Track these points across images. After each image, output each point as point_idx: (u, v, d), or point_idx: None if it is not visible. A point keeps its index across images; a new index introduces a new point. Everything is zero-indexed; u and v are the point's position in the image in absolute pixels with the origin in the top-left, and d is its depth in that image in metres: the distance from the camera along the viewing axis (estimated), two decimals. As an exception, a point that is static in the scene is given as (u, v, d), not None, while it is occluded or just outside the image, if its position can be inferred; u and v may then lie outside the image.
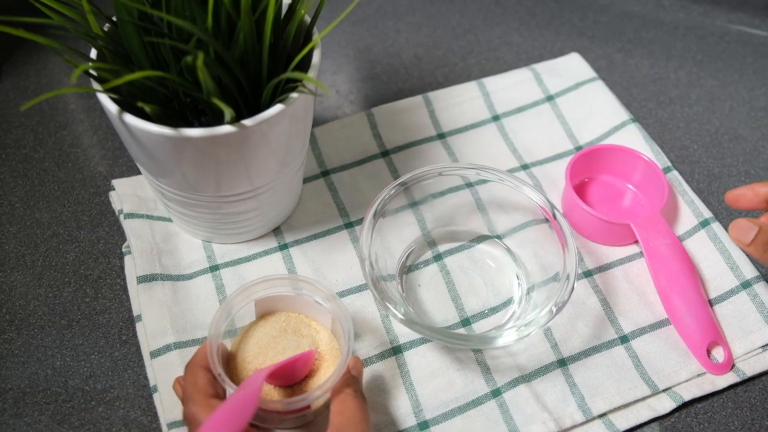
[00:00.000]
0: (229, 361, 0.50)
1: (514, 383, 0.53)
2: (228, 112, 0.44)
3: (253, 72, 0.48)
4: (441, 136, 0.67)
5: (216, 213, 0.54)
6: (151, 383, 0.53)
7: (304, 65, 0.50)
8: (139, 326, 0.55)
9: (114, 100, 0.46)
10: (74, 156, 0.67)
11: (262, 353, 0.49)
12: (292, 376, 0.48)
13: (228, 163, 0.48)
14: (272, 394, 0.48)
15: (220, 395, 0.46)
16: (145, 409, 0.52)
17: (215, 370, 0.45)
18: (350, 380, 0.47)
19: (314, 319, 0.52)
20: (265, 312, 0.52)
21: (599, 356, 0.55)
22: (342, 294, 0.57)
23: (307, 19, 0.52)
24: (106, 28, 0.49)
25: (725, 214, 0.64)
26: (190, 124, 0.52)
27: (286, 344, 0.50)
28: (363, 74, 0.75)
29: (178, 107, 0.51)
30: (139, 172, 0.63)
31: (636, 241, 0.61)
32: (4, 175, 0.65)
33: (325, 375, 0.49)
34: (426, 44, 0.78)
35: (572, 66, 0.73)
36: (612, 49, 0.77)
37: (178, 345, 0.53)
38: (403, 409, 0.52)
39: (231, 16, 0.47)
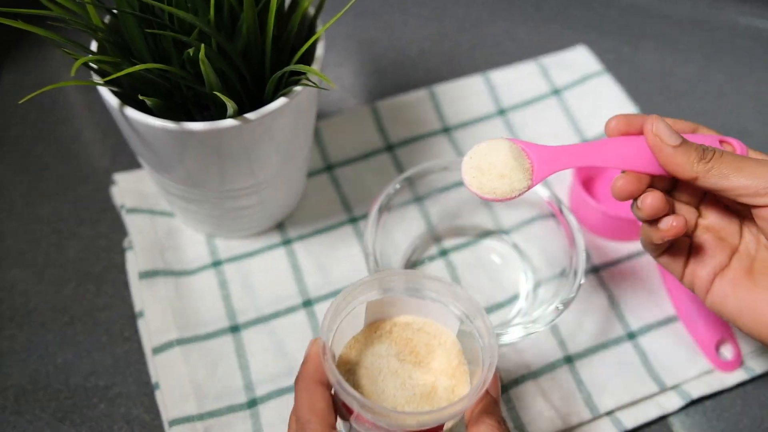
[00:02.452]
0: (343, 374, 0.42)
1: (520, 380, 0.52)
2: (230, 106, 0.43)
3: (256, 65, 0.48)
4: (446, 130, 0.67)
5: (219, 208, 0.54)
6: (153, 380, 0.52)
7: (308, 58, 0.50)
8: (141, 322, 0.55)
9: (115, 93, 0.46)
10: (75, 151, 0.66)
11: (377, 390, 0.40)
12: None
13: (231, 157, 0.48)
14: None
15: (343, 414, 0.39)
16: (147, 406, 0.52)
17: (333, 378, 0.37)
18: (490, 406, 0.39)
19: (435, 323, 0.43)
20: (376, 315, 0.43)
21: (606, 353, 0.54)
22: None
23: (311, 11, 0.52)
24: (106, 20, 0.49)
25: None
26: (192, 118, 0.51)
27: (406, 379, 0.41)
28: (368, 68, 0.74)
29: (181, 101, 0.50)
30: (141, 167, 0.63)
31: (644, 237, 0.60)
32: (4, 170, 0.64)
33: (459, 393, 0.41)
34: (432, 38, 0.77)
35: (579, 59, 0.72)
36: (619, 43, 0.76)
37: (181, 341, 0.53)
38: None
39: (233, 8, 0.46)
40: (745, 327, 0.42)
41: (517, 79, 0.70)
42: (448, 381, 0.41)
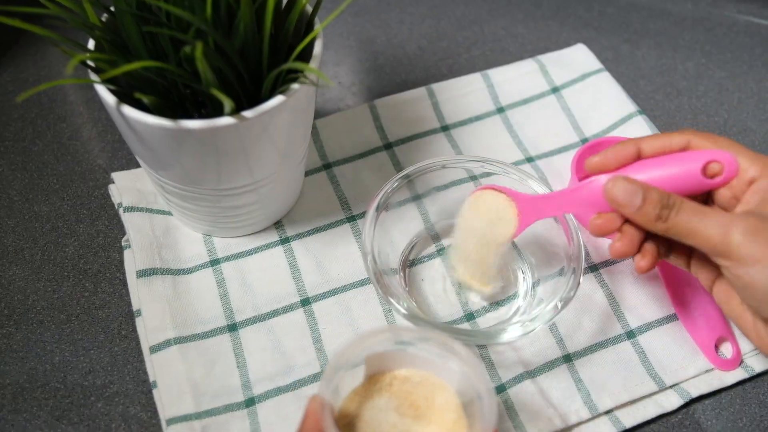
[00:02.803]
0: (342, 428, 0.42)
1: (518, 379, 0.52)
2: (228, 104, 0.43)
3: (254, 63, 0.48)
4: (445, 128, 0.66)
5: (216, 206, 0.54)
6: (151, 379, 0.52)
7: (306, 56, 0.50)
8: (138, 321, 0.55)
9: (112, 91, 0.46)
10: (73, 149, 0.66)
11: None
12: None
13: (228, 155, 0.47)
14: None
15: None
16: (144, 404, 0.52)
17: None
18: None
19: (435, 377, 0.43)
20: (375, 368, 0.43)
21: (605, 352, 0.54)
22: (344, 288, 0.56)
23: (309, 8, 0.51)
24: (103, 18, 0.49)
25: (733, 208, 0.63)
26: (189, 116, 0.51)
27: (410, 423, 0.41)
28: (365, 66, 0.74)
29: (178, 99, 0.50)
30: (138, 165, 0.62)
31: (643, 235, 0.60)
32: (2, 168, 0.64)
33: None
34: (430, 35, 0.77)
35: (578, 57, 0.72)
36: (618, 41, 0.76)
37: (178, 340, 0.53)
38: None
39: (230, 6, 0.46)
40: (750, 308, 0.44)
41: (516, 77, 0.70)
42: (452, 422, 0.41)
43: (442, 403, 0.42)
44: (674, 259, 0.48)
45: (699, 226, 0.41)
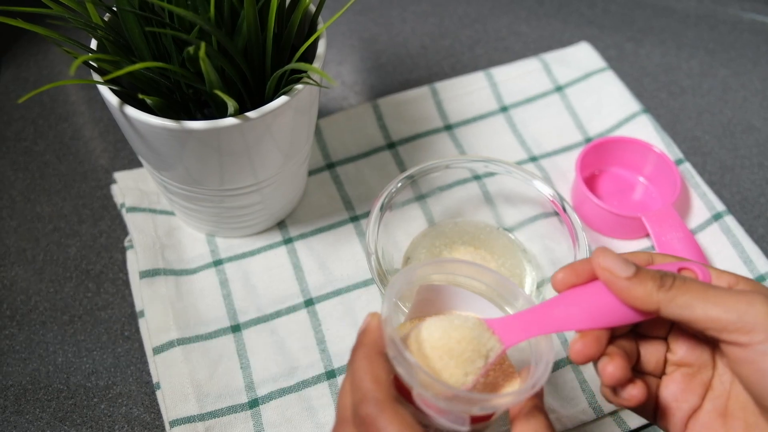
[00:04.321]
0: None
1: (523, 380, 0.52)
2: (231, 104, 0.43)
3: (257, 63, 0.47)
4: (448, 127, 0.66)
5: (219, 206, 0.53)
6: (154, 380, 0.52)
7: (309, 56, 0.49)
8: (141, 322, 0.55)
9: (115, 92, 0.46)
10: (75, 149, 0.66)
11: (444, 359, 0.38)
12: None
13: (231, 156, 0.47)
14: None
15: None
16: (147, 406, 0.52)
17: (393, 349, 0.35)
18: (540, 403, 0.37)
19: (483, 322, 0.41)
20: (425, 305, 0.42)
21: (610, 352, 0.54)
22: (348, 289, 0.56)
23: (312, 8, 0.51)
24: (106, 18, 0.48)
25: (738, 207, 0.63)
26: (192, 117, 0.51)
27: (455, 369, 0.38)
28: (368, 65, 0.74)
29: (181, 99, 0.50)
30: (141, 165, 0.62)
31: (647, 235, 0.59)
32: (4, 168, 0.64)
33: (506, 389, 0.39)
34: (432, 34, 0.76)
35: (582, 56, 0.71)
36: (622, 39, 0.76)
37: (182, 341, 0.52)
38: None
39: (234, 6, 0.46)
40: None
41: (519, 76, 0.70)
42: (495, 377, 0.40)
43: (491, 345, 0.39)
44: (636, 411, 0.40)
45: (708, 293, 0.34)
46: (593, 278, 0.38)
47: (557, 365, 0.53)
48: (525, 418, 0.36)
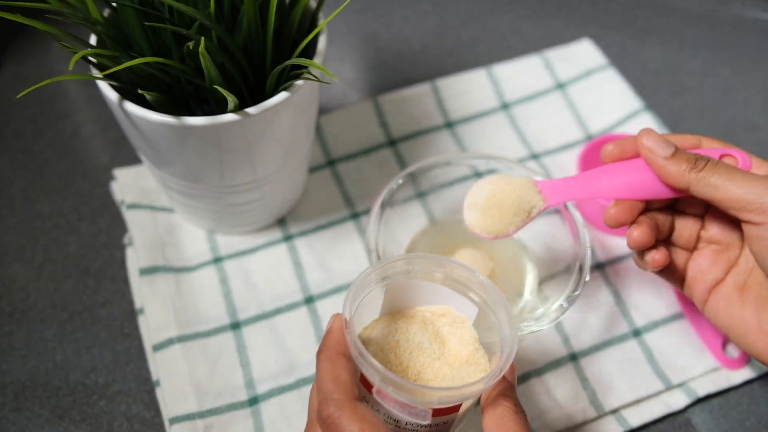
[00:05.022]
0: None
1: (524, 378, 0.52)
2: (231, 100, 0.43)
3: (257, 59, 0.47)
4: (449, 125, 0.66)
5: (219, 203, 0.53)
6: (154, 377, 0.52)
7: (309, 53, 0.49)
8: (141, 319, 0.55)
9: (114, 87, 0.45)
10: (75, 146, 0.65)
11: (398, 369, 0.40)
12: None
13: (231, 152, 0.47)
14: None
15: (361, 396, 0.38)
16: (147, 403, 0.51)
17: (355, 349, 0.36)
18: (507, 390, 0.39)
19: (453, 310, 0.44)
20: (395, 301, 0.43)
21: (611, 350, 0.54)
22: (348, 286, 0.56)
23: (313, 4, 0.51)
24: (105, 14, 0.48)
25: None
26: (192, 113, 0.51)
27: (425, 361, 0.41)
28: (369, 62, 0.73)
29: (181, 95, 0.50)
30: (141, 163, 0.62)
31: (649, 233, 0.59)
32: (3, 165, 0.64)
33: (477, 378, 0.40)
34: (433, 31, 0.76)
35: (583, 53, 0.71)
36: (623, 37, 0.76)
37: (181, 339, 0.52)
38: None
39: (234, 1, 0.45)
40: (734, 339, 0.43)
41: (520, 73, 0.70)
42: (465, 367, 0.41)
43: (462, 335, 0.42)
44: (667, 274, 0.46)
45: (735, 175, 0.39)
46: (637, 155, 0.43)
47: (559, 363, 0.53)
48: (492, 407, 0.38)
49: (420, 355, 0.41)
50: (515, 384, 0.40)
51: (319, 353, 0.38)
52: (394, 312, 0.43)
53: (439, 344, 0.42)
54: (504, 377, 0.39)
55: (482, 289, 0.42)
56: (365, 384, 0.38)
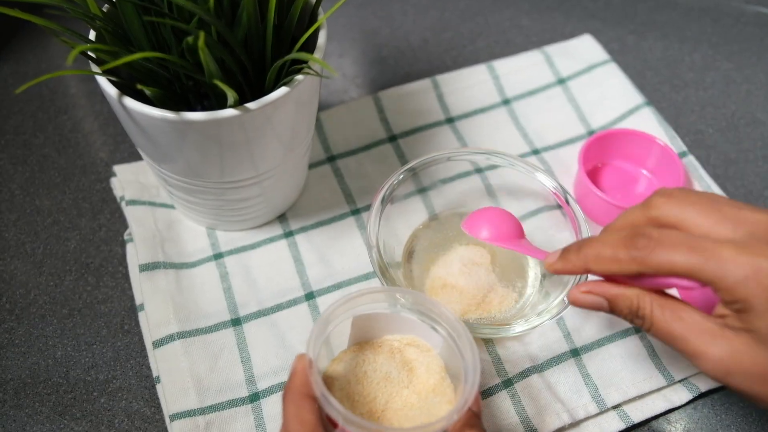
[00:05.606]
0: (329, 388, 0.43)
1: (525, 373, 0.52)
2: (231, 95, 0.43)
3: (257, 53, 0.47)
4: (449, 120, 0.66)
5: (220, 199, 0.53)
6: (154, 374, 0.52)
7: (309, 47, 0.49)
8: (141, 315, 0.54)
9: (114, 83, 0.45)
10: (75, 142, 0.65)
11: (364, 404, 0.42)
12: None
13: (231, 147, 0.47)
14: None
15: None
16: (147, 399, 0.51)
17: (318, 391, 0.38)
18: (472, 419, 0.39)
19: (419, 340, 0.45)
20: (362, 332, 0.45)
21: (613, 346, 0.53)
22: (349, 282, 0.56)
23: (312, -1, 0.51)
24: (105, 9, 0.48)
25: (742, 200, 0.62)
26: (192, 108, 0.50)
27: (392, 393, 0.42)
28: (369, 57, 0.73)
29: (180, 90, 0.50)
30: (141, 158, 0.62)
31: (650, 228, 0.59)
32: (3, 161, 0.64)
33: (443, 408, 0.42)
34: (434, 27, 0.76)
35: (584, 48, 0.71)
36: (624, 32, 0.75)
37: (182, 335, 0.52)
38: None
39: (234, -5, 0.45)
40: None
41: (521, 69, 0.69)
42: (432, 396, 0.42)
43: (428, 365, 0.43)
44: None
45: (677, 329, 0.39)
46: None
47: (560, 358, 0.52)
48: None
49: (387, 385, 0.42)
50: (480, 412, 0.41)
51: (284, 396, 0.39)
52: (362, 342, 0.45)
53: (407, 372, 0.43)
54: (469, 408, 0.40)
55: (446, 321, 0.43)
56: (332, 421, 0.39)
